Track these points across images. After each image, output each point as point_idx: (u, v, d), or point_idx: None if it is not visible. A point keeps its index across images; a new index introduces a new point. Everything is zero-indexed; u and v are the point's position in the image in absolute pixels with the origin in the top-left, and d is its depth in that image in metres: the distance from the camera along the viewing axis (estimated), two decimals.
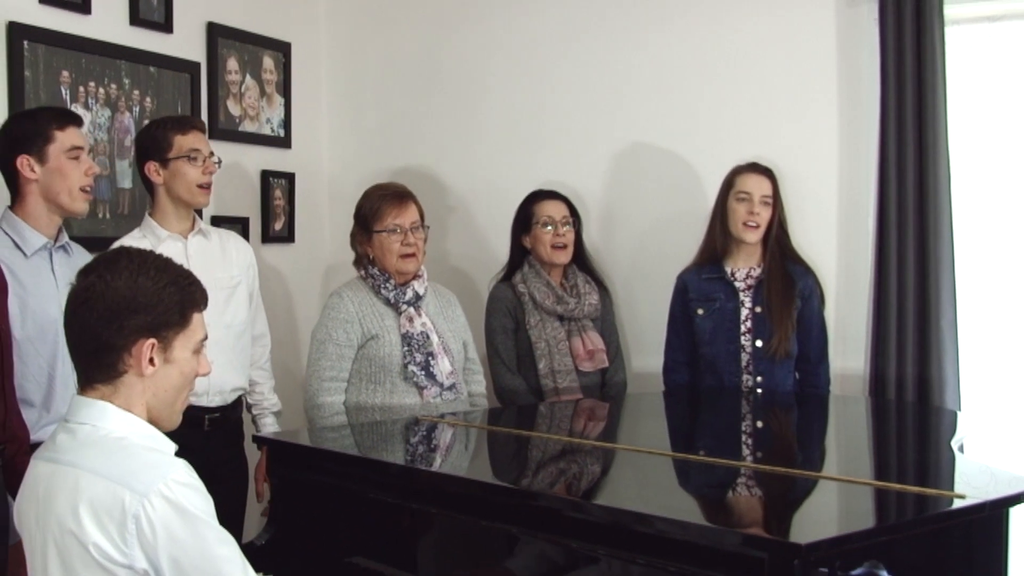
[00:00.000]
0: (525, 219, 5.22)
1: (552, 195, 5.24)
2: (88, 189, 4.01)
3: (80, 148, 3.96)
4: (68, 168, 3.91)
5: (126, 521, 2.43)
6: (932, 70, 4.83)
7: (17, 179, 3.92)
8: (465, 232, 6.16)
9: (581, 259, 5.31)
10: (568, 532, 2.92)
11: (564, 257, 5.14)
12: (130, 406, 2.63)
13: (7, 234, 3.90)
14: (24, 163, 3.87)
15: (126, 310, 2.55)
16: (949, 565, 2.99)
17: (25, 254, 3.88)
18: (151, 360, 2.60)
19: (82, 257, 4.10)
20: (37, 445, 3.66)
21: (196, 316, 2.69)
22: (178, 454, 2.67)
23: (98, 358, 2.61)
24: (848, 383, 5.16)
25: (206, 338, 2.77)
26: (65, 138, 3.91)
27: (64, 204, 3.94)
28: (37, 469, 2.64)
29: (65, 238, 4.07)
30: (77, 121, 4.05)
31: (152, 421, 2.69)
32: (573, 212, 5.23)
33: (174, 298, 2.61)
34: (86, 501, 2.46)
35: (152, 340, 2.59)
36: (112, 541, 2.43)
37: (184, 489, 2.49)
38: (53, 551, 2.52)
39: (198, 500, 2.52)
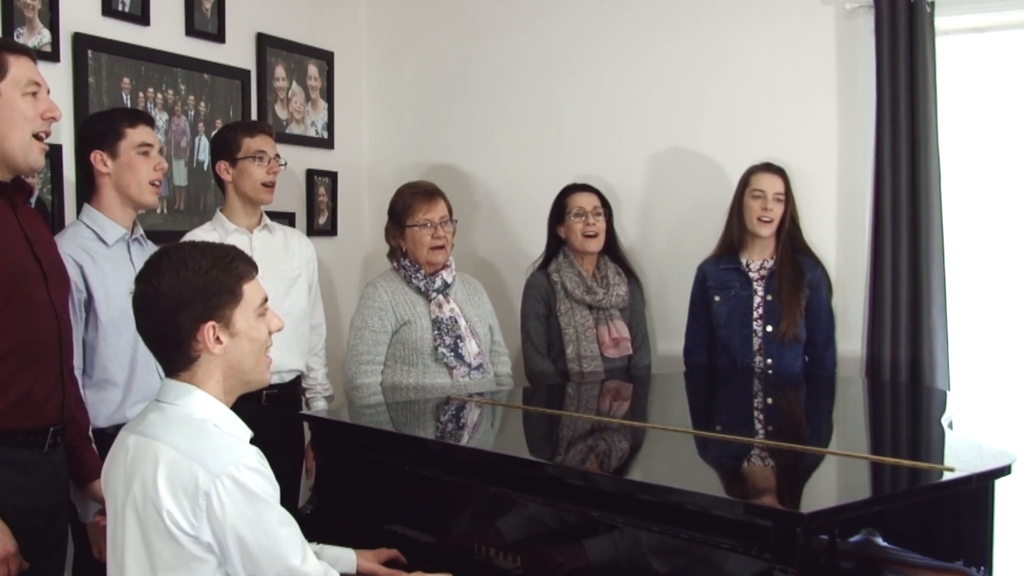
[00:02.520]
0: (559, 211, 5.21)
1: (584, 188, 5.23)
2: (157, 183, 4.00)
3: (150, 145, 3.96)
4: (137, 163, 3.91)
5: (198, 496, 2.47)
6: (924, 77, 4.82)
7: (92, 174, 3.93)
8: (492, 226, 6.16)
9: (614, 251, 5.29)
10: (587, 502, 2.92)
11: (595, 245, 5.12)
12: (211, 384, 2.68)
13: (88, 227, 3.90)
14: (97, 158, 3.88)
15: (177, 307, 2.59)
16: (939, 533, 2.98)
17: (106, 244, 3.89)
18: (217, 339, 2.64)
19: (153, 250, 4.11)
20: (118, 426, 3.71)
21: (247, 286, 2.70)
22: None
23: (170, 352, 2.67)
24: (846, 365, 5.15)
25: (266, 299, 2.79)
26: (135, 135, 3.92)
27: (134, 196, 3.93)
28: (127, 440, 2.68)
29: (140, 231, 4.09)
30: (148, 120, 4.06)
31: (243, 384, 2.76)
32: (605, 204, 5.21)
33: (219, 279, 2.63)
34: (164, 472, 2.50)
35: (211, 323, 2.62)
36: (183, 512, 2.48)
37: (253, 474, 2.53)
38: (132, 515, 2.56)
39: (265, 484, 2.55)
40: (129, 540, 2.57)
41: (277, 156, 4.68)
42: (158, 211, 4.98)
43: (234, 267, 2.68)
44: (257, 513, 2.51)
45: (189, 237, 4.43)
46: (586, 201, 5.14)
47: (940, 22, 4.89)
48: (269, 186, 4.63)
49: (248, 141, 4.58)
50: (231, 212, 4.63)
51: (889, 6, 4.88)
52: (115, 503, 2.66)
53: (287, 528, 2.59)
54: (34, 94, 3.24)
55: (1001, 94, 5.04)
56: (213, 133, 4.84)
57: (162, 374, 3.95)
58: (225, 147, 4.60)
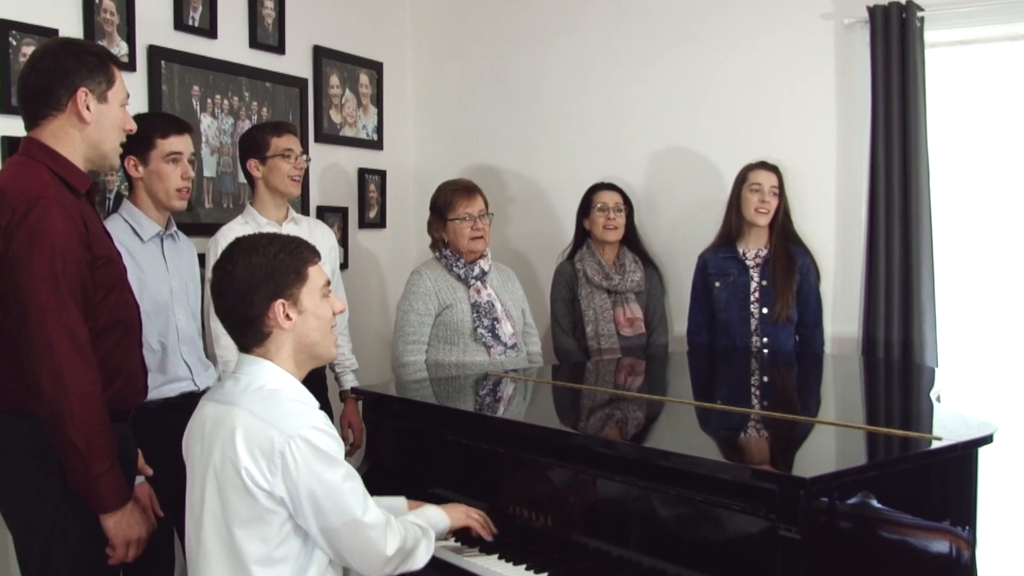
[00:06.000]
0: (586, 205, 5.27)
1: (609, 186, 5.28)
2: (184, 190, 3.93)
3: (179, 153, 3.89)
4: (165, 172, 3.85)
5: (273, 456, 2.53)
6: (914, 85, 4.80)
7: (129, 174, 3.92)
8: (524, 219, 6.16)
9: (633, 241, 5.34)
10: (610, 468, 2.93)
11: (613, 236, 5.17)
12: (282, 358, 2.74)
13: (127, 221, 3.87)
14: (129, 162, 3.84)
15: (251, 288, 2.64)
16: (928, 496, 2.97)
17: (142, 240, 3.85)
18: (287, 316, 2.69)
19: (185, 244, 4.10)
20: (154, 403, 3.68)
21: (312, 269, 2.75)
22: None
23: (246, 330, 2.72)
24: (844, 344, 5.15)
25: (329, 283, 2.83)
26: (165, 145, 3.85)
27: (162, 201, 3.88)
28: (205, 408, 2.75)
29: (173, 227, 4.04)
30: (181, 130, 3.96)
31: (313, 358, 2.83)
32: (627, 201, 5.27)
33: (286, 262, 2.68)
34: (242, 434, 2.56)
35: (281, 300, 2.67)
36: (260, 469, 2.54)
37: (321, 434, 2.59)
38: (212, 476, 2.61)
39: (332, 443, 2.62)
40: (208, 499, 2.62)
41: (303, 152, 4.67)
42: (225, 205, 5.01)
43: (299, 252, 2.73)
44: (326, 469, 2.57)
45: (224, 230, 4.43)
46: (609, 198, 5.19)
47: (929, 35, 4.88)
48: (296, 180, 4.61)
49: (276, 140, 4.55)
50: (261, 206, 4.60)
51: (883, 21, 4.86)
52: (194, 465, 2.72)
53: (351, 482, 2.64)
54: (126, 107, 3.27)
55: (985, 100, 5.03)
56: (240, 135, 4.81)
57: (202, 359, 3.98)
58: (255, 147, 4.57)
